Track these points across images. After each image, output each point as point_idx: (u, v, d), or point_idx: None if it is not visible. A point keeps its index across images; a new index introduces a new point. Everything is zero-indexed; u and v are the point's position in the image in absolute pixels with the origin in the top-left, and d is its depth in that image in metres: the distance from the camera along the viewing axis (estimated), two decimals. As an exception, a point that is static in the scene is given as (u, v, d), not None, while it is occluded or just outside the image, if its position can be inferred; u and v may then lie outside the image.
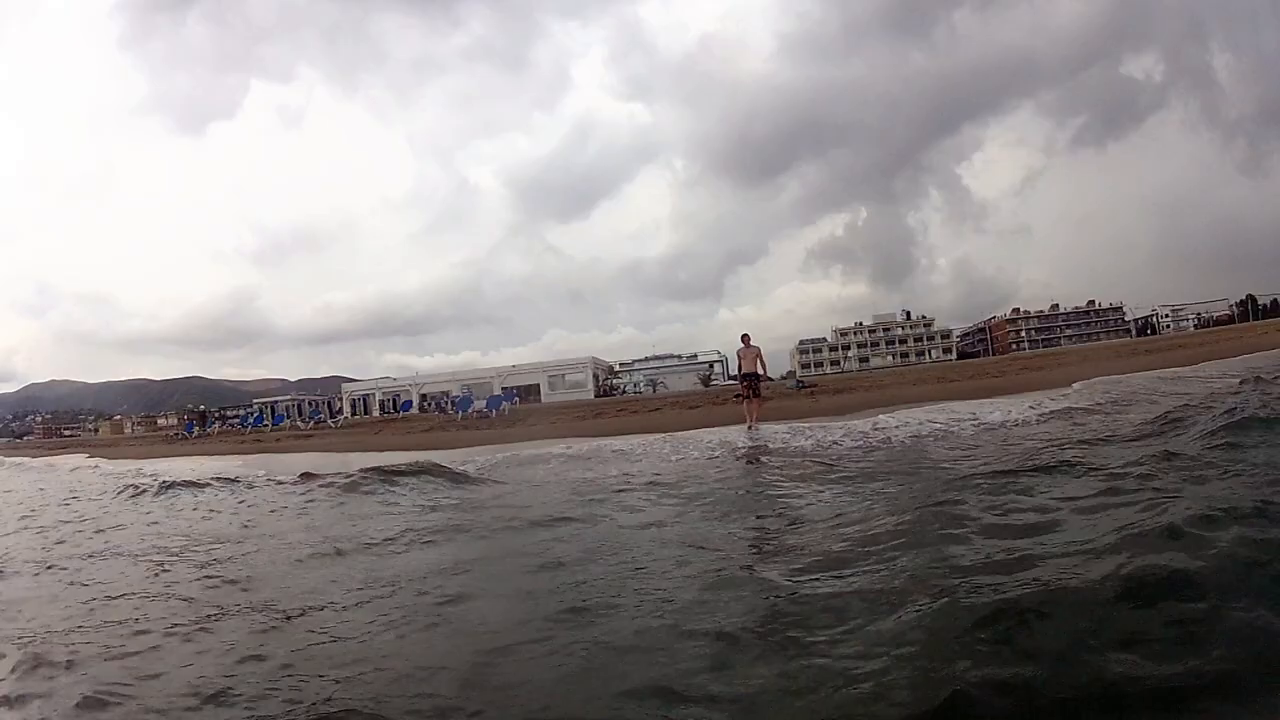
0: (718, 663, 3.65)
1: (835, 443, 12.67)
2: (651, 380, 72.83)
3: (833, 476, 9.12)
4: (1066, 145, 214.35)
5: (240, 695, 3.81)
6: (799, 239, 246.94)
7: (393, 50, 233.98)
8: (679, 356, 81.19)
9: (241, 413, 78.93)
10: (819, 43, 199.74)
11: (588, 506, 8.70)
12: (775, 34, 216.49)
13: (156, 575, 6.99)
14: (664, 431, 19.16)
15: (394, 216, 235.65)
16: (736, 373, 19.10)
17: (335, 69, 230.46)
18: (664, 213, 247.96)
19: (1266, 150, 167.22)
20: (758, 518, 7.36)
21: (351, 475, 13.02)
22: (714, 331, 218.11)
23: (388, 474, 12.97)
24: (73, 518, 12.36)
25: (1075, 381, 20.47)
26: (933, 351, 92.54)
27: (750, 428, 16.34)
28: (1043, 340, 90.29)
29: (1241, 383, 12.83)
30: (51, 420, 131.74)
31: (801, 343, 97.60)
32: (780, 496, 8.34)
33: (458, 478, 12.77)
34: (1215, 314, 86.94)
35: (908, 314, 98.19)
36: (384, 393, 74.30)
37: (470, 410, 43.16)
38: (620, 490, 9.81)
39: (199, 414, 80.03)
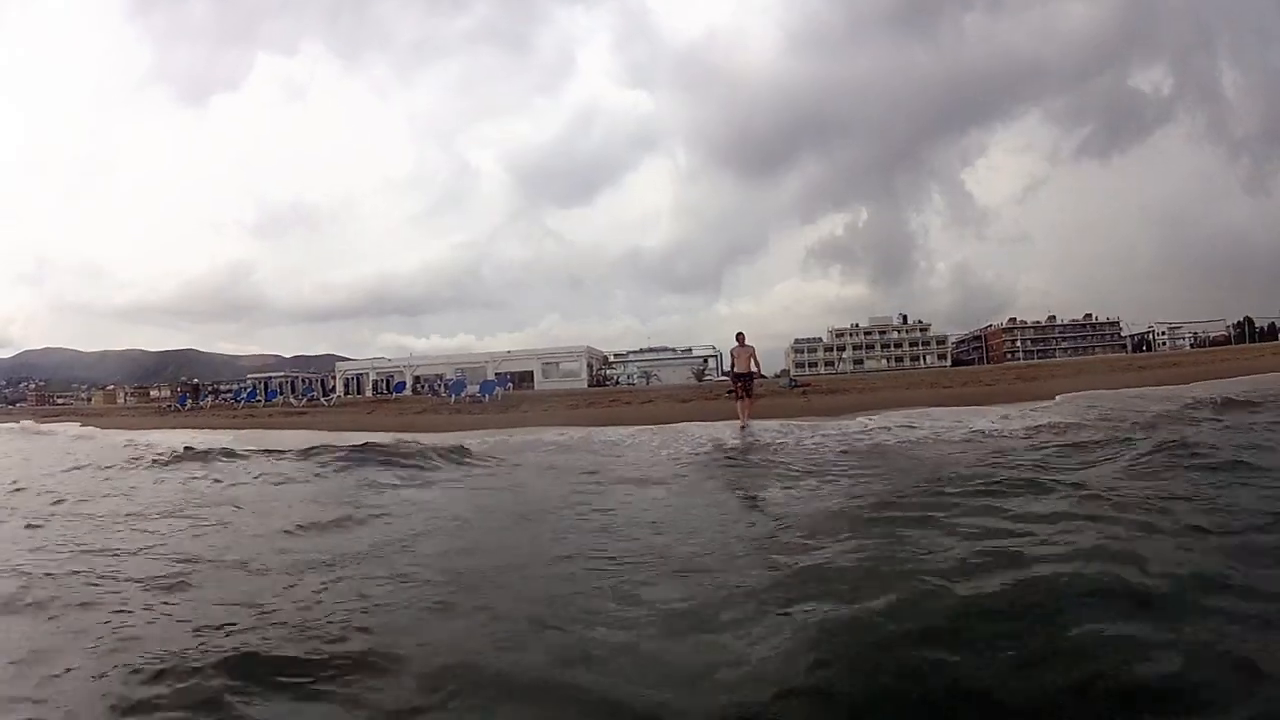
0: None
1: (816, 443, 12.73)
2: (645, 372, 72.92)
3: (796, 474, 9.39)
4: (1071, 154, 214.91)
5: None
6: (799, 236, 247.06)
7: (397, 29, 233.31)
8: (674, 350, 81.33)
9: (235, 387, 78.80)
10: (825, 39, 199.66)
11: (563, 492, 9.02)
12: (781, 28, 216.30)
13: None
14: (655, 424, 19.29)
15: (394, 196, 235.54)
16: (730, 370, 19.02)
17: (339, 45, 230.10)
18: (665, 203, 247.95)
19: (1271, 169, 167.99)
20: (706, 509, 7.55)
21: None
22: (711, 325, 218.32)
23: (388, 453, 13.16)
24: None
25: (1058, 395, 20.53)
26: (928, 357, 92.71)
27: (743, 426, 16.30)
28: (1038, 351, 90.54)
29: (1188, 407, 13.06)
30: (45, 388, 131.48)
31: (797, 341, 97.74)
32: (739, 491, 8.72)
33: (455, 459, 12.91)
34: (1212, 334, 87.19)
35: (904, 318, 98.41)
36: (378, 373, 74.29)
37: (463, 394, 43.19)
38: (595, 480, 10.03)
39: (192, 387, 79.89)
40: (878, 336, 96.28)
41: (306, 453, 14.15)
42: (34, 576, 5.56)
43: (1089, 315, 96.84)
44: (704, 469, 10.81)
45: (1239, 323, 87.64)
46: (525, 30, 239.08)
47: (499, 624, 4.15)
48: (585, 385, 64.89)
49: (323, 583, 5.13)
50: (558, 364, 71.71)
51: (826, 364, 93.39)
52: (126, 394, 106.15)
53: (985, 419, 14.52)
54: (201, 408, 54.74)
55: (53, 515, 8.63)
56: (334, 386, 70.48)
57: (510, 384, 53.14)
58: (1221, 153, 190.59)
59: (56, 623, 4.53)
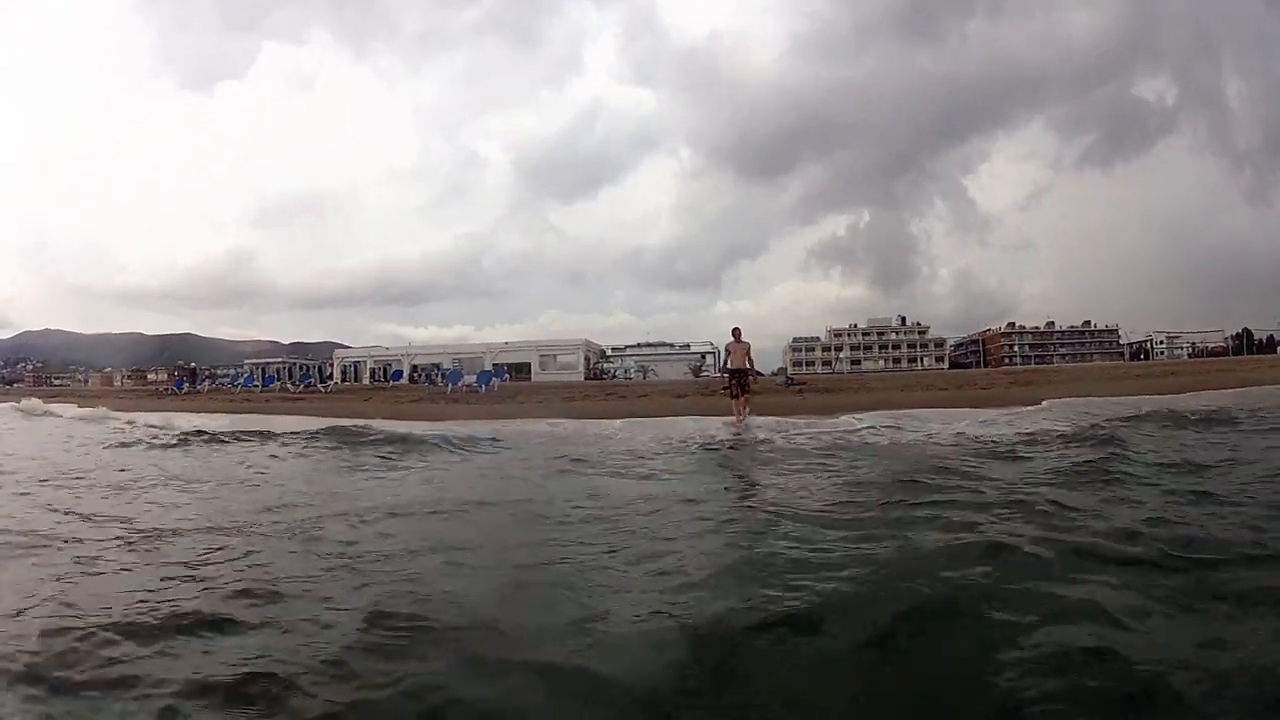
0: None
1: (801, 440, 12.83)
2: (642, 367, 72.78)
3: (773, 468, 9.68)
4: (1074, 163, 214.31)
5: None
6: (800, 237, 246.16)
7: (404, 19, 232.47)
8: (671, 345, 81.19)
9: (232, 372, 78.80)
10: (830, 43, 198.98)
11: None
12: (786, 31, 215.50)
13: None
14: (649, 417, 19.36)
15: (397, 186, 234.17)
16: (724, 367, 19.03)
17: (346, 35, 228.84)
18: (667, 202, 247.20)
19: (1273, 180, 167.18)
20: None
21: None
22: (710, 323, 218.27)
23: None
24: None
25: (1045, 400, 20.54)
26: (925, 359, 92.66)
27: (738, 422, 16.31)
28: (1036, 357, 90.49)
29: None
30: (42, 369, 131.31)
31: (794, 340, 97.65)
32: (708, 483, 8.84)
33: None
34: (1210, 344, 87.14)
35: (903, 320, 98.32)
36: (375, 361, 74.25)
37: (460, 384, 43.27)
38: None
39: (189, 371, 79.85)
40: (876, 338, 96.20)
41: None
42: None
43: (1087, 322, 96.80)
44: (685, 459, 11.11)
45: (1238, 334, 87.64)
46: (532, 23, 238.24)
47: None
48: (582, 378, 64.89)
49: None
50: (555, 356, 71.63)
51: (824, 364, 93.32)
52: (123, 377, 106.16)
53: (965, 422, 14.56)
54: (198, 392, 54.83)
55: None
56: (331, 373, 70.45)
57: (507, 375, 53.21)
58: (1224, 163, 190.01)
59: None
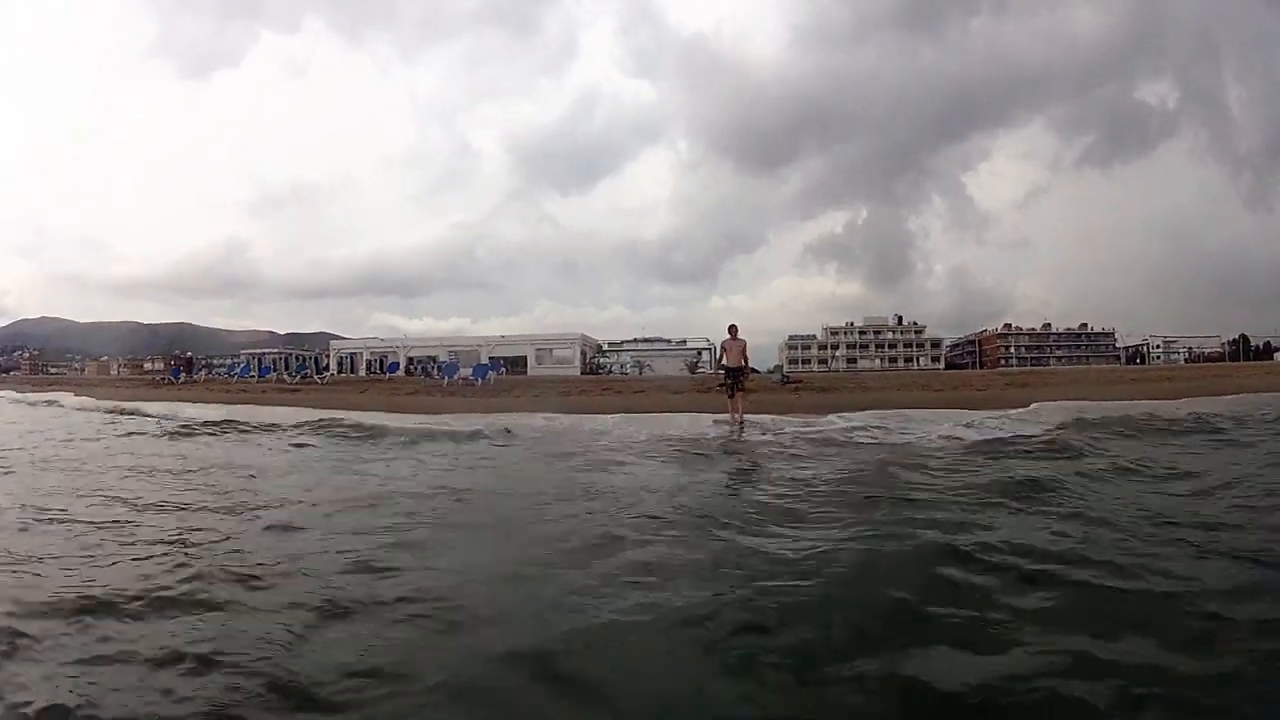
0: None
1: (787, 441, 12.98)
2: (639, 362, 72.83)
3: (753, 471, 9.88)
4: (1073, 163, 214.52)
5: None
6: (798, 232, 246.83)
7: (401, 7, 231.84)
8: (668, 340, 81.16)
9: (228, 362, 78.74)
10: (831, 37, 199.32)
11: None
12: (787, 24, 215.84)
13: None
14: (646, 413, 19.46)
15: (393, 175, 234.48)
16: (720, 364, 19.00)
17: (342, 22, 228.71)
18: (664, 194, 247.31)
19: (1273, 186, 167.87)
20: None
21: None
22: (706, 317, 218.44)
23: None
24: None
25: (1034, 403, 20.62)
26: (921, 359, 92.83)
27: (737, 421, 16.34)
28: (1032, 358, 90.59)
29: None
30: (38, 357, 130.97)
31: (791, 338, 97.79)
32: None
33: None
34: (1207, 350, 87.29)
35: (899, 319, 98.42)
36: (371, 352, 74.29)
37: (456, 377, 43.34)
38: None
39: (185, 360, 79.72)
40: (872, 336, 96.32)
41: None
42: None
43: (1084, 325, 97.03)
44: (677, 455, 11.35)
45: (1234, 340, 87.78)
46: (530, 12, 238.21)
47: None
48: (578, 373, 64.95)
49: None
50: (551, 350, 71.73)
51: (820, 361, 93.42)
52: (119, 366, 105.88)
53: (948, 425, 14.73)
54: (195, 381, 54.76)
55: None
56: (328, 365, 70.52)
57: (504, 369, 53.25)
58: (1224, 168, 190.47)
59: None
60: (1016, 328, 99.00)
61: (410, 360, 67.29)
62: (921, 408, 20.11)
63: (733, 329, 17.94)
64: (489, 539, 6.11)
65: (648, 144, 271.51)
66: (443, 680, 3.30)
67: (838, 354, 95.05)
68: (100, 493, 8.15)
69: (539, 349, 71.77)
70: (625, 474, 9.30)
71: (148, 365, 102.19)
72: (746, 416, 16.87)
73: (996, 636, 3.63)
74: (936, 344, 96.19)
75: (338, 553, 5.36)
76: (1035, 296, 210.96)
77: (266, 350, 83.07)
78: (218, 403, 28.83)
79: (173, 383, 52.91)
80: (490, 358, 59.08)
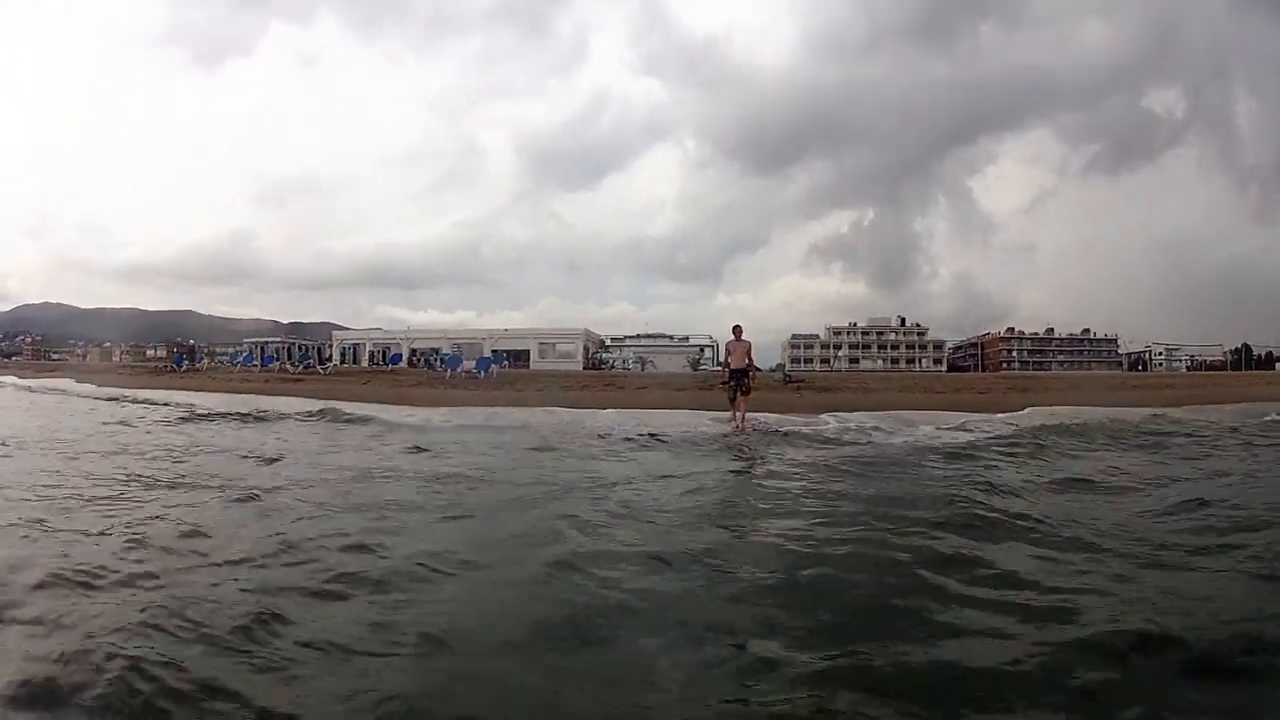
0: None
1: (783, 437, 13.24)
2: (641, 358, 72.80)
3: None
4: (1080, 170, 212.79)
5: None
6: (803, 232, 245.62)
7: (412, 2, 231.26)
8: (670, 337, 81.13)
9: (231, 351, 78.82)
10: (842, 39, 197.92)
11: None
12: (799, 28, 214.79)
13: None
14: (647, 408, 19.56)
15: (400, 169, 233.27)
16: (724, 364, 18.52)
17: (354, 16, 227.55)
18: (670, 192, 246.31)
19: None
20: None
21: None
22: (710, 316, 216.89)
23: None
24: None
25: (1028, 408, 20.65)
26: (923, 360, 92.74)
27: (739, 423, 16.20)
28: (1034, 363, 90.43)
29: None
30: (41, 342, 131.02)
31: (794, 337, 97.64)
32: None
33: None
34: (1209, 358, 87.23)
35: (902, 320, 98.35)
36: (374, 344, 74.30)
37: (459, 369, 43.38)
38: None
39: (188, 348, 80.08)
40: (875, 337, 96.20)
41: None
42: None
43: (1087, 330, 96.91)
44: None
45: (1236, 349, 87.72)
46: (542, 11, 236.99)
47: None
48: (581, 367, 65.01)
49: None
50: (554, 345, 71.76)
51: (823, 361, 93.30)
52: (122, 352, 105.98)
53: (928, 427, 14.94)
54: (198, 369, 54.97)
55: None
56: (330, 355, 70.56)
57: (506, 362, 53.34)
58: (1231, 180, 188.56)
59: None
60: (1019, 332, 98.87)
61: (413, 352, 67.33)
62: (921, 409, 20.21)
63: (737, 329, 17.64)
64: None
65: (655, 142, 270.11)
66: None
67: (840, 354, 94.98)
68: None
69: (542, 343, 71.80)
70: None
71: (150, 352, 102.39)
72: (752, 415, 16.81)
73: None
74: (939, 346, 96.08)
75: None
76: (1037, 302, 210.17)
77: (269, 339, 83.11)
78: (222, 391, 28.98)
79: (175, 370, 53.17)
80: (493, 351, 59.19)
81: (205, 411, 18.65)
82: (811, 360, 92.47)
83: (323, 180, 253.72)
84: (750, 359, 17.75)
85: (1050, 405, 21.52)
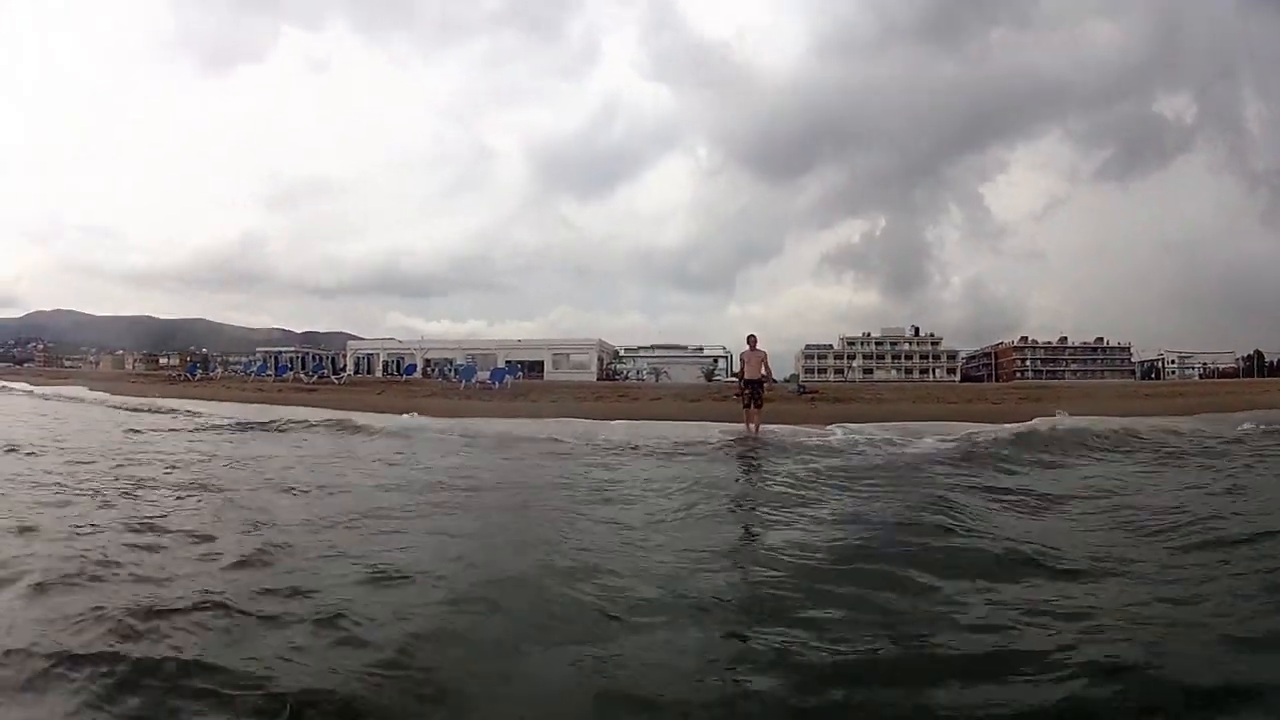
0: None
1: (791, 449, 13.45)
2: (655, 369, 72.89)
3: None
4: (1090, 176, 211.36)
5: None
6: (815, 241, 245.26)
7: (422, 8, 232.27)
8: (684, 347, 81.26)
9: (245, 360, 79.33)
10: (852, 46, 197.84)
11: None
12: (809, 33, 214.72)
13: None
14: (664, 419, 19.64)
15: (410, 176, 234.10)
16: (738, 374, 18.58)
17: (363, 21, 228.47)
18: (682, 201, 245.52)
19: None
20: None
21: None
22: (722, 326, 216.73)
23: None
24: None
25: (1035, 418, 20.55)
26: (937, 371, 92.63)
27: (753, 433, 16.10)
28: (1047, 372, 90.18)
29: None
30: (53, 349, 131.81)
31: (808, 348, 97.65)
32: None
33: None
34: (1221, 365, 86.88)
35: (916, 330, 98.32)
36: (388, 354, 74.69)
37: (474, 380, 43.57)
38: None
39: (201, 357, 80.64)
40: (889, 347, 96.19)
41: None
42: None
43: (1100, 339, 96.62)
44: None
45: (1249, 356, 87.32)
46: (552, 16, 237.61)
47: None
48: (595, 378, 65.16)
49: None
50: (568, 355, 71.94)
51: (836, 371, 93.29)
52: (135, 360, 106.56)
53: (940, 436, 14.97)
54: (211, 378, 55.35)
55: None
56: (344, 365, 70.94)
57: (520, 373, 53.52)
58: (1242, 184, 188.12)
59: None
60: (1032, 341, 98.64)
61: (427, 362, 67.64)
62: (935, 420, 20.19)
63: (752, 339, 17.44)
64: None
65: (666, 150, 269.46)
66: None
67: (854, 364, 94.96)
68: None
69: (556, 354, 72.02)
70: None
71: (163, 360, 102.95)
72: (766, 426, 16.76)
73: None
74: (953, 356, 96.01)
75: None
76: (1050, 309, 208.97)
77: (283, 349, 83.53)
78: (240, 401, 29.13)
79: (189, 379, 53.51)
80: (507, 361, 59.35)
81: (301, 421, 19.03)
82: (825, 371, 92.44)
83: (333, 184, 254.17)
84: (766, 368, 17.60)
85: (1059, 415, 21.42)
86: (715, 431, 16.16)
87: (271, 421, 18.73)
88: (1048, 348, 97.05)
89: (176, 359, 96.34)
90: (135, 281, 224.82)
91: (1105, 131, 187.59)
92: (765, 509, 7.64)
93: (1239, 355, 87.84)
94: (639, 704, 3.18)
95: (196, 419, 20.22)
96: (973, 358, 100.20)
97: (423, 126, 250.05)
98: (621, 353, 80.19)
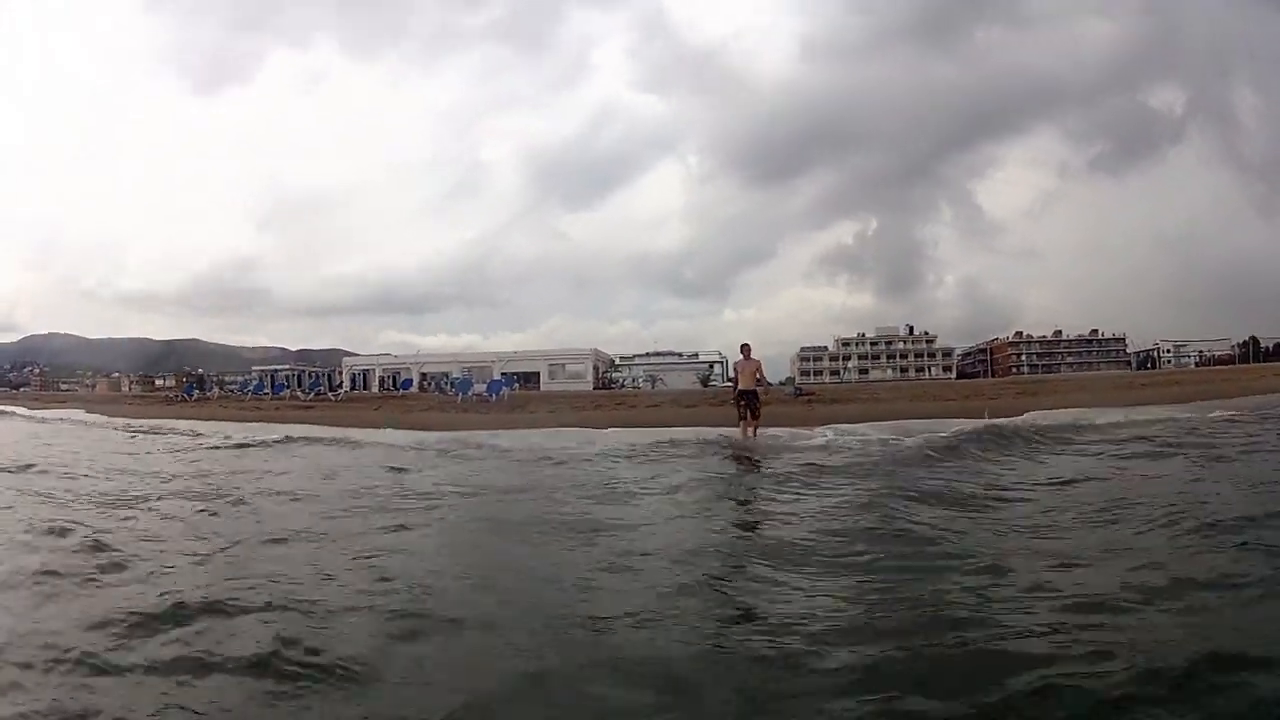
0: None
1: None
2: (651, 376, 72.88)
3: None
4: (1083, 171, 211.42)
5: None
6: (808, 244, 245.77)
7: (411, 23, 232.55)
8: (679, 354, 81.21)
9: (241, 379, 79.28)
10: (842, 47, 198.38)
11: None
12: (798, 36, 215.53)
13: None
14: (660, 427, 19.68)
15: (403, 192, 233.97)
16: (733, 384, 18.12)
17: (353, 38, 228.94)
18: (675, 207, 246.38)
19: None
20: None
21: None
22: (717, 331, 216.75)
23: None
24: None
25: (1027, 412, 20.58)
26: (933, 368, 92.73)
27: (749, 437, 16.01)
28: (1043, 366, 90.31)
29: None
30: (49, 372, 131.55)
31: (803, 350, 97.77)
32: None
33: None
34: (1217, 353, 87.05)
35: (910, 329, 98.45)
36: (384, 369, 74.67)
37: (470, 393, 43.59)
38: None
39: (197, 377, 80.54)
40: (884, 347, 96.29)
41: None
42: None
43: (1095, 331, 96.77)
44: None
45: (1244, 342, 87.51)
46: (541, 27, 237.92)
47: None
48: (591, 387, 65.15)
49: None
50: (564, 365, 71.94)
51: (832, 373, 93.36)
52: (131, 382, 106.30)
53: (930, 433, 15.14)
54: (208, 398, 55.22)
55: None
56: (341, 381, 70.92)
57: (517, 384, 53.55)
58: (1235, 175, 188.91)
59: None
60: (1028, 335, 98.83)
61: (424, 376, 67.64)
62: (931, 417, 20.22)
63: (745, 349, 17.15)
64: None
65: (659, 158, 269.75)
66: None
67: (849, 365, 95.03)
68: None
69: (552, 364, 72.00)
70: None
71: (159, 381, 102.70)
72: (764, 430, 16.57)
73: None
74: (948, 353, 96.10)
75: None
76: (1044, 305, 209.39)
77: (279, 367, 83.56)
78: (238, 420, 29.11)
79: (186, 399, 53.40)
80: (503, 373, 59.37)
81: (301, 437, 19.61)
82: (821, 372, 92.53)
83: (327, 204, 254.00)
84: (761, 377, 17.24)
85: (1053, 408, 21.49)
86: (714, 435, 16.23)
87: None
88: (1043, 342, 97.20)
89: (172, 380, 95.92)
90: (130, 304, 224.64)
91: (1096, 126, 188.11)
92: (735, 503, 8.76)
93: (1235, 342, 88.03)
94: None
95: (225, 438, 20.21)
96: (968, 354, 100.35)
97: (416, 142, 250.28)
98: (617, 361, 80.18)
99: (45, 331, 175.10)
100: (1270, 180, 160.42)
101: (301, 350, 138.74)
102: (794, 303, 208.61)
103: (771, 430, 17.31)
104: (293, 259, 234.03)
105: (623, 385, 69.51)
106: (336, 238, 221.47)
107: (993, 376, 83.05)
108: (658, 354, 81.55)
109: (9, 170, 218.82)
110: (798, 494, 8.83)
